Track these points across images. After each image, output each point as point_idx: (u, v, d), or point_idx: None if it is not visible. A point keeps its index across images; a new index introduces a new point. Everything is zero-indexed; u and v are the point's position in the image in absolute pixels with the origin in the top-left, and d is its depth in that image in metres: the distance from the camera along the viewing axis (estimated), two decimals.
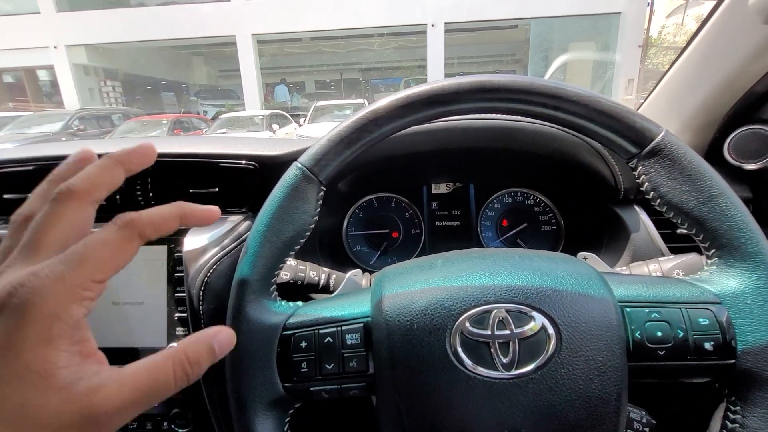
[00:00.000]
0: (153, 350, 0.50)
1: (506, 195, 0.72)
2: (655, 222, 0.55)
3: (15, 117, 8.74)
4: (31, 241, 0.22)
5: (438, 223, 0.74)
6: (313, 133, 6.37)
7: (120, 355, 0.50)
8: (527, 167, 0.67)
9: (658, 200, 0.35)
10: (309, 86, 18.10)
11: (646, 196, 0.35)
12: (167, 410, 0.54)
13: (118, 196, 0.56)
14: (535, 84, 0.35)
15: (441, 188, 0.74)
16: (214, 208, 0.28)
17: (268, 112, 8.56)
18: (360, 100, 9.02)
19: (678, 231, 0.57)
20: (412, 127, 0.39)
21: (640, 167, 0.35)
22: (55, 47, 12.27)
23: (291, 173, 0.37)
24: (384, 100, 0.37)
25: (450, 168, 0.71)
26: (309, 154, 0.37)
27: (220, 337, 0.26)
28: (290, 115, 9.59)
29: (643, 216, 0.56)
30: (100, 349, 0.23)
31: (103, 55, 13.26)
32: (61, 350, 0.20)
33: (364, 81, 17.18)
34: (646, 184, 0.35)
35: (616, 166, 0.54)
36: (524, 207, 0.72)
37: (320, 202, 0.37)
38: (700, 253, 0.41)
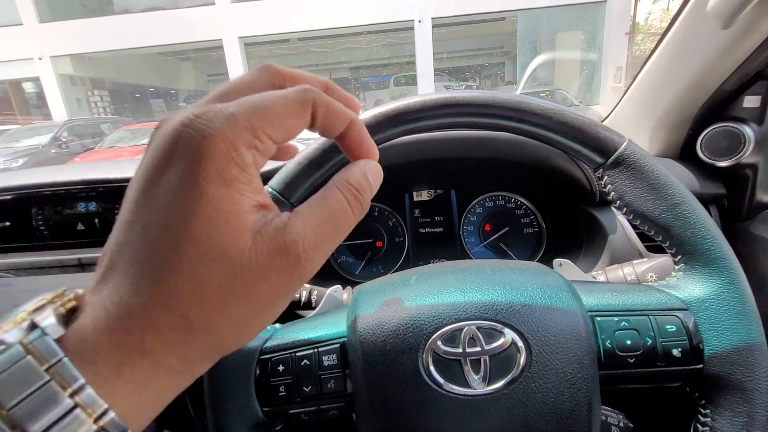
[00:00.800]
0: None
1: (487, 199, 0.72)
2: (631, 222, 0.56)
3: (3, 131, 8.65)
4: (216, 91, 0.22)
5: (421, 230, 0.74)
6: (304, 134, 6.34)
7: None
8: (506, 172, 0.67)
9: (625, 208, 0.35)
10: None
11: (613, 206, 0.36)
12: (157, 429, 0.54)
13: (96, 220, 0.56)
14: (498, 98, 0.36)
15: (423, 195, 0.74)
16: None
17: None
18: None
19: None
20: (387, 142, 0.39)
21: (606, 176, 0.36)
22: (39, 58, 12.13)
23: None
24: None
25: (430, 176, 0.71)
26: (278, 177, 0.37)
27: (370, 167, 0.25)
28: None
29: (620, 217, 0.56)
30: None
31: (89, 64, 13.12)
32: (243, 194, 0.19)
33: (353, 79, 17.11)
34: (613, 193, 0.35)
35: (590, 170, 0.55)
36: (506, 210, 0.72)
37: None
38: None
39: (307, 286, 0.53)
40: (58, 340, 0.16)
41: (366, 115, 0.38)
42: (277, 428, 0.37)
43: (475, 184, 0.72)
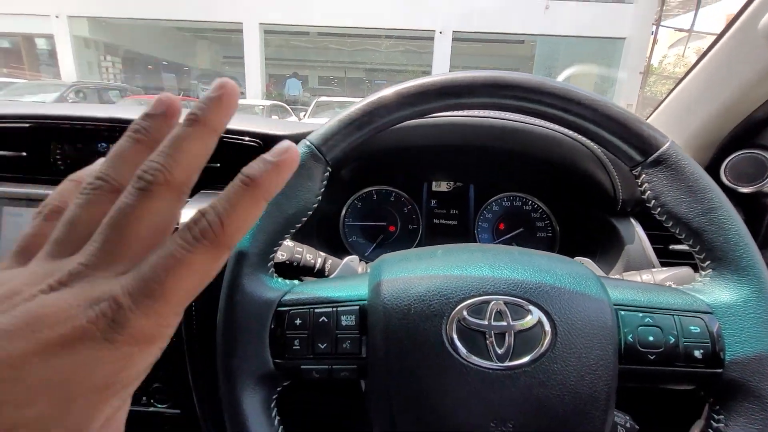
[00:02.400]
0: None
1: (505, 198, 0.73)
2: (649, 237, 0.56)
3: (9, 83, 8.55)
4: (111, 237, 0.18)
5: (435, 221, 0.74)
6: (314, 127, 6.33)
7: None
8: (527, 171, 0.67)
9: (659, 209, 0.35)
10: (312, 81, 18.05)
11: (647, 204, 0.36)
12: (147, 384, 0.53)
13: None
14: (546, 84, 0.36)
15: (441, 186, 0.74)
16: (285, 146, 0.20)
17: (268, 102, 8.53)
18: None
19: (671, 247, 0.58)
20: (417, 120, 0.39)
21: (644, 175, 0.35)
22: (56, 16, 12.04)
23: (299, 149, 0.37)
24: (395, 87, 0.37)
25: (451, 166, 0.71)
26: (318, 133, 0.37)
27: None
28: (290, 108, 9.54)
29: (639, 229, 0.57)
30: None
31: (105, 29, 13.05)
32: None
33: (367, 81, 17.18)
34: (648, 192, 0.35)
35: (617, 176, 0.55)
36: (522, 212, 0.72)
37: (325, 182, 0.37)
38: (692, 267, 0.42)
39: (322, 254, 0.52)
40: None
41: (411, 83, 0.37)
42: (283, 384, 0.36)
43: (494, 180, 0.72)
